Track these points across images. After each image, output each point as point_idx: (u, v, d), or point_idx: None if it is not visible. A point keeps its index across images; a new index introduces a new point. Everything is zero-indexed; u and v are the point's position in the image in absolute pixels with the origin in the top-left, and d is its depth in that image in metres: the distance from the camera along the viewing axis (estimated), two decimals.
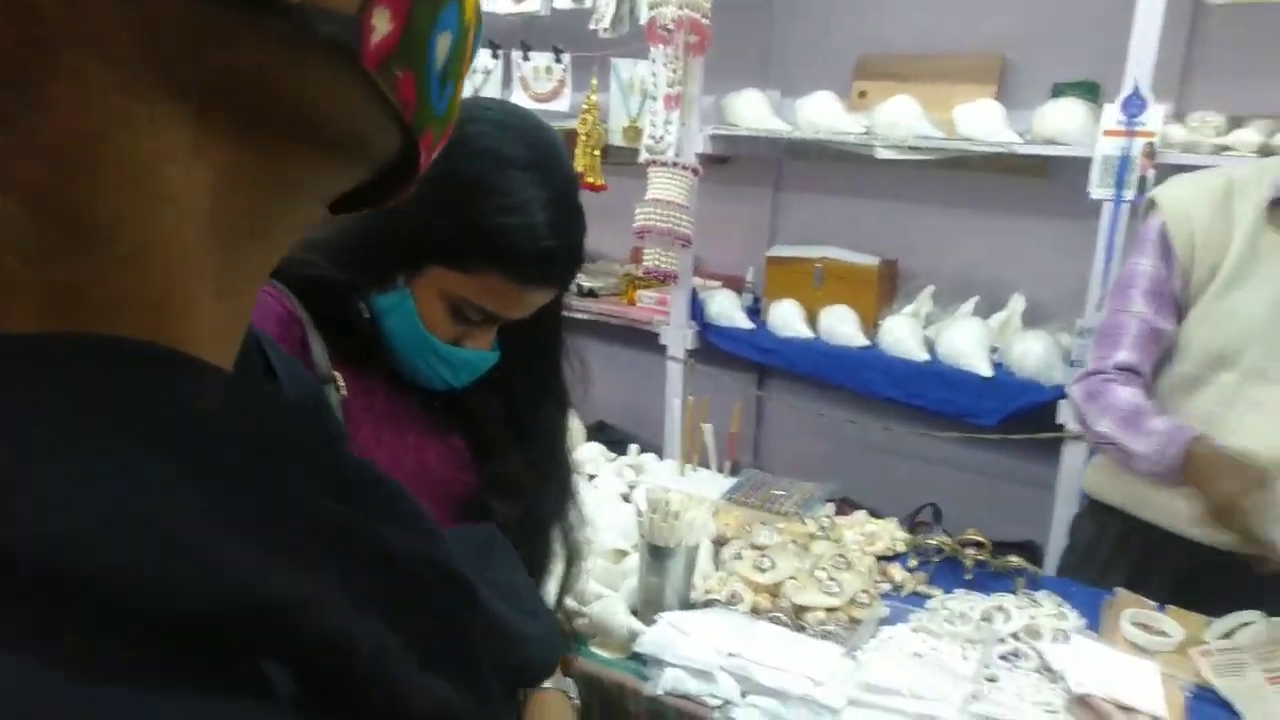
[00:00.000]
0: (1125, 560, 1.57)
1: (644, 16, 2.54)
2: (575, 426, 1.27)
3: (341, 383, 0.87)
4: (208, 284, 0.26)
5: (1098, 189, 2.05)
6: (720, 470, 1.82)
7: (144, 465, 0.22)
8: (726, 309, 2.66)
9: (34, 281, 0.23)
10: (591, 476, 1.76)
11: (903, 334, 2.39)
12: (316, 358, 0.86)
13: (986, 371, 2.25)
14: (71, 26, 0.22)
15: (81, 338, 0.24)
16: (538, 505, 1.02)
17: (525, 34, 2.80)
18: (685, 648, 1.17)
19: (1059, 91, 2.47)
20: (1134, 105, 2.01)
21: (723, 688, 1.13)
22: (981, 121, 2.28)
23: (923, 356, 2.36)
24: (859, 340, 2.47)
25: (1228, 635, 1.33)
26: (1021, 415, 2.19)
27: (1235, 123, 2.11)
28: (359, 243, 0.89)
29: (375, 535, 0.27)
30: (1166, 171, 1.93)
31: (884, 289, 2.61)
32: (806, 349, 2.51)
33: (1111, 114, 2.02)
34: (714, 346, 2.68)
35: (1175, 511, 1.43)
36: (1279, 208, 1.39)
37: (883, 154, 2.35)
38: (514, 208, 0.86)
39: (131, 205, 0.24)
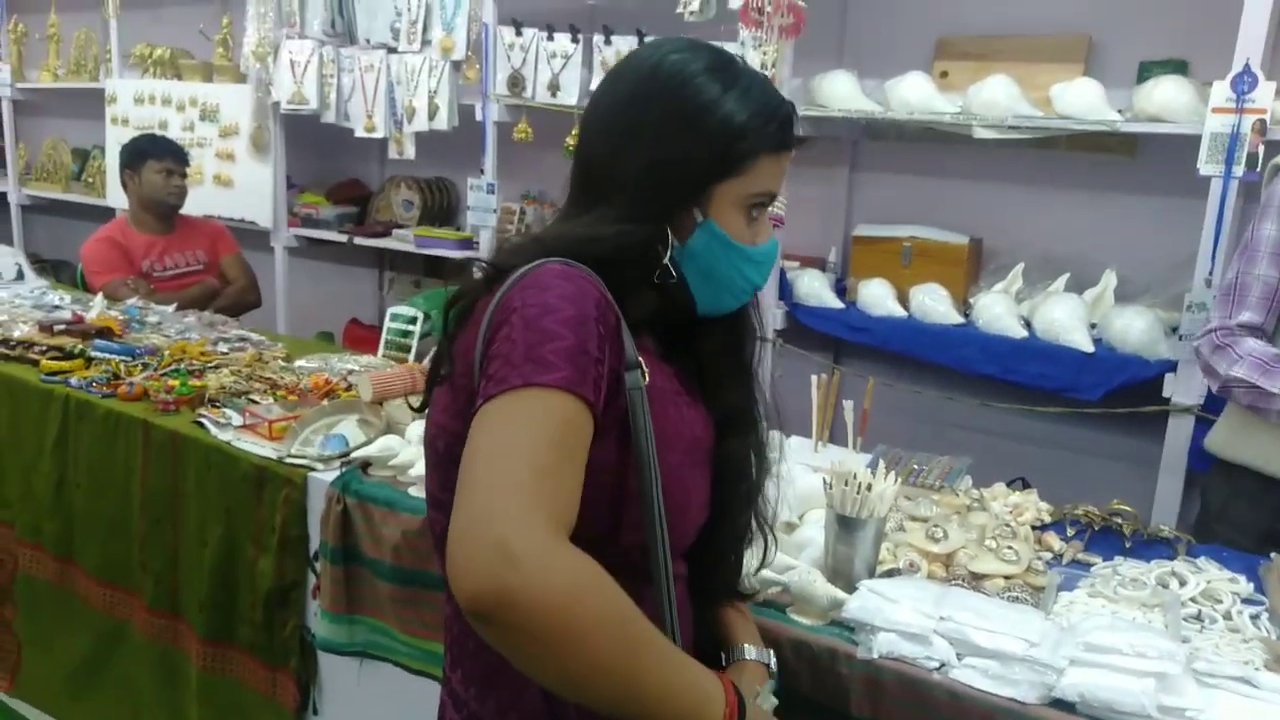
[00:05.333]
0: (1261, 517, 1.65)
1: (734, 0, 2.56)
2: None
3: (645, 368, 0.90)
4: None
5: (1206, 166, 2.08)
6: (854, 447, 1.85)
7: None
8: (815, 289, 2.69)
9: None
10: None
11: (999, 311, 2.42)
12: (626, 342, 0.89)
13: (1088, 347, 2.29)
14: None
15: None
16: (760, 438, 1.07)
17: (607, 18, 2.81)
18: (894, 613, 1.20)
19: (1147, 69, 2.50)
20: (1244, 82, 2.04)
21: (939, 650, 1.17)
22: (1079, 100, 2.31)
23: (1020, 333, 2.39)
24: (953, 318, 2.50)
25: None
26: (1125, 390, 2.23)
27: None
28: (645, 203, 0.93)
29: None
30: (1275, 149, 1.97)
31: (972, 267, 2.65)
32: (899, 327, 2.54)
33: (1221, 91, 2.05)
34: (803, 326, 2.71)
35: None
36: None
37: (981, 134, 2.37)
38: (747, 97, 0.94)
39: None
